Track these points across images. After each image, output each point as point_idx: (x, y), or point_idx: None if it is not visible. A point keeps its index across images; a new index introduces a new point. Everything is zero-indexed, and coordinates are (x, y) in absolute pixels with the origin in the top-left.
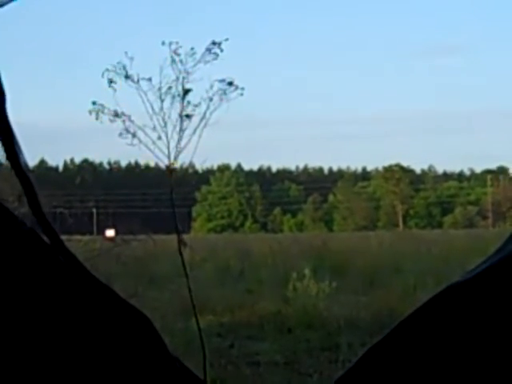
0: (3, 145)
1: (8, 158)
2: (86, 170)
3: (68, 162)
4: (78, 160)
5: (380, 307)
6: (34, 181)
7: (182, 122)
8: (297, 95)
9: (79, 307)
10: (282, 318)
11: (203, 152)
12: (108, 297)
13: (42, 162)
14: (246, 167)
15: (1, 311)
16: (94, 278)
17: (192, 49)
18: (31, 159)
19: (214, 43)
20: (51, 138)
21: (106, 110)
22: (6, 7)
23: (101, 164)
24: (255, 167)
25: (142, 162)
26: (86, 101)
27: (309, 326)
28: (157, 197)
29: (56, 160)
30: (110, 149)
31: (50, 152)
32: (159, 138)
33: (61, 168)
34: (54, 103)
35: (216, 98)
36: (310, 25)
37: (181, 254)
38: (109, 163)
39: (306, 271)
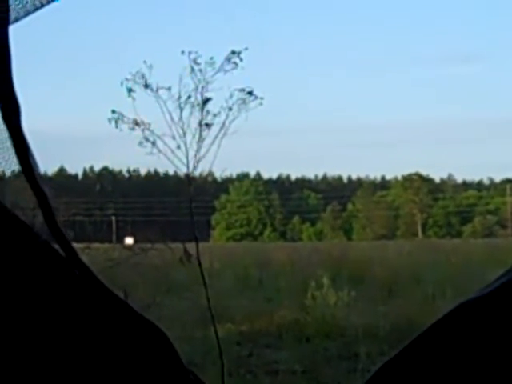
0: (18, 157)
1: (23, 171)
2: (106, 178)
3: (87, 169)
4: (97, 168)
5: (399, 317)
6: (48, 194)
7: (201, 131)
8: (316, 104)
9: (94, 321)
10: (300, 326)
11: (222, 160)
12: (123, 311)
13: (62, 170)
14: (265, 176)
15: (15, 324)
16: (109, 292)
17: (211, 58)
18: (51, 167)
19: (233, 52)
20: (71, 146)
21: (125, 119)
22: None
23: (120, 172)
24: (274, 176)
25: (161, 171)
26: (106, 108)
27: (327, 335)
28: (176, 205)
29: (75, 168)
30: (129, 157)
31: (70, 160)
32: (178, 147)
33: (80, 176)
34: (74, 111)
35: (235, 108)
36: (329, 34)
37: (199, 263)
38: (128, 171)
39: (325, 280)
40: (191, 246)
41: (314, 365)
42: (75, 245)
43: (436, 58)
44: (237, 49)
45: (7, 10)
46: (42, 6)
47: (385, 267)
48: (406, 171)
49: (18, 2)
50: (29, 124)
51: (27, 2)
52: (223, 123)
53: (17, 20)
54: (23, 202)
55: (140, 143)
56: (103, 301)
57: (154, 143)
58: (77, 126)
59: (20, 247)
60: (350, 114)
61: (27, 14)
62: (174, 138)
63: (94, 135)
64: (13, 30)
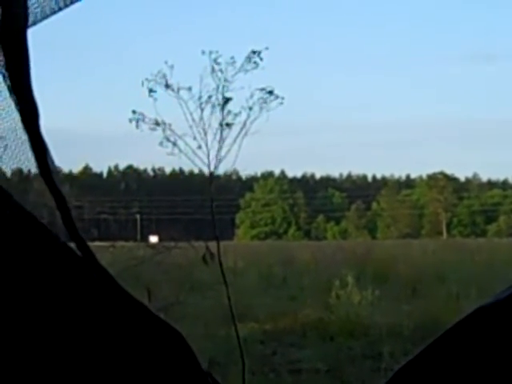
0: (36, 160)
1: (41, 173)
2: (130, 177)
3: (112, 168)
4: (122, 166)
5: (423, 316)
6: (67, 197)
7: (222, 131)
8: (341, 102)
9: (111, 322)
10: (324, 325)
11: (247, 159)
12: (140, 312)
13: (87, 169)
14: (290, 174)
15: (34, 326)
16: (126, 294)
17: (232, 58)
18: (76, 166)
19: (253, 52)
20: (96, 145)
21: (146, 119)
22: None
23: (145, 170)
24: (299, 174)
25: (186, 169)
26: (131, 108)
27: (351, 333)
28: (200, 203)
29: (100, 166)
30: (153, 156)
31: (95, 158)
32: (199, 147)
33: (105, 174)
34: (99, 110)
35: (256, 107)
36: (352, 32)
37: (220, 263)
38: (153, 170)
39: (349, 279)
40: (214, 245)
41: (338, 364)
42: (100, 243)
43: (461, 56)
44: (257, 48)
45: (26, 14)
46: (60, 9)
47: (409, 266)
48: (431, 170)
49: (36, 5)
50: (55, 123)
51: (45, 5)
52: (244, 123)
53: (35, 23)
54: (48, 200)
55: (161, 143)
56: (120, 302)
57: (174, 143)
58: (102, 125)
59: (39, 249)
60: (375, 113)
61: (45, 17)
62: (194, 138)
63: (119, 134)
64: (32, 33)
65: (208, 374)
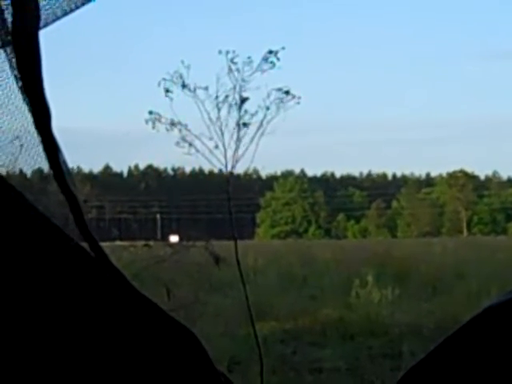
0: (49, 162)
1: (54, 176)
2: (151, 176)
3: (132, 168)
4: (142, 166)
5: (443, 314)
6: (79, 198)
7: (239, 130)
8: (361, 101)
9: (124, 323)
10: (344, 324)
11: (267, 158)
12: (153, 312)
13: (107, 168)
14: (310, 173)
15: (47, 326)
16: (139, 295)
17: (249, 57)
18: (96, 165)
19: (270, 52)
20: (116, 145)
21: (162, 119)
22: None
23: (165, 170)
24: (319, 173)
25: (206, 168)
26: (150, 107)
27: (371, 332)
28: (220, 202)
29: (120, 166)
30: (173, 155)
31: (115, 158)
32: (216, 146)
33: (125, 174)
34: (120, 110)
35: (273, 107)
36: (371, 31)
37: (238, 262)
38: (173, 169)
39: (369, 278)
40: (235, 244)
41: (358, 363)
42: (120, 243)
43: (480, 53)
44: (274, 48)
45: (38, 15)
46: (72, 10)
47: (429, 264)
48: (451, 168)
49: (47, 7)
50: (76, 123)
51: (57, 7)
52: (261, 122)
53: (46, 25)
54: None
55: (177, 143)
56: (133, 303)
57: (190, 144)
58: (122, 125)
59: (51, 250)
60: (395, 111)
61: (56, 18)
62: (211, 138)
63: (139, 134)
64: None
65: (221, 374)
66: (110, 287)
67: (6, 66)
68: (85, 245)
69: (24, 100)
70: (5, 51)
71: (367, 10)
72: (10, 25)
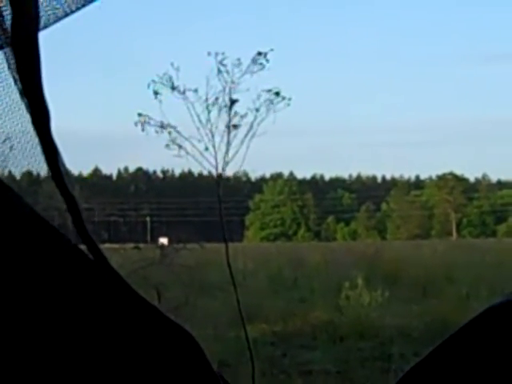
0: (48, 164)
1: (52, 176)
2: (140, 179)
3: (122, 170)
4: (131, 168)
5: (433, 317)
6: (78, 200)
7: (229, 132)
8: (350, 104)
9: (122, 325)
10: (334, 327)
11: (255, 161)
12: (152, 314)
13: (96, 171)
14: (299, 176)
15: (45, 329)
16: (138, 296)
17: (238, 59)
18: (85, 168)
19: (259, 54)
20: (105, 147)
21: (152, 122)
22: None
23: (154, 172)
24: (308, 175)
25: (196, 171)
26: (140, 109)
27: (361, 335)
28: (210, 205)
29: (110, 169)
30: (163, 157)
31: (104, 161)
32: (206, 149)
33: (115, 177)
34: (108, 112)
35: (263, 109)
36: (358, 33)
37: (229, 265)
38: (162, 171)
39: (359, 280)
40: (226, 247)
41: (348, 365)
42: (110, 245)
43: (470, 56)
44: (263, 50)
45: (37, 17)
46: (72, 11)
47: (419, 267)
48: (441, 171)
49: (48, 8)
50: (64, 125)
51: (57, 8)
52: (251, 124)
53: (46, 26)
54: (58, 202)
55: (167, 146)
56: (131, 304)
57: (180, 146)
58: (111, 127)
59: (49, 252)
60: (384, 114)
61: (57, 20)
62: (201, 140)
63: (129, 136)
64: (42, 36)
65: (219, 375)
66: (109, 289)
67: None
68: (83, 247)
69: (23, 101)
70: (4, 53)
71: (359, 12)
72: (9, 26)
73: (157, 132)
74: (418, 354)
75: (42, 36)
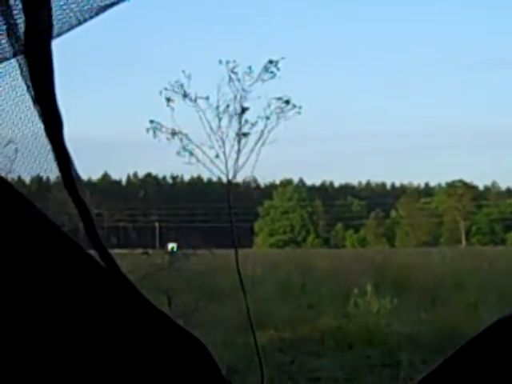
0: (60, 171)
1: (64, 183)
2: (149, 184)
3: (131, 176)
4: (141, 174)
5: (441, 324)
6: (90, 207)
7: (239, 140)
8: (360, 110)
9: (133, 332)
10: (343, 333)
11: (265, 168)
12: (162, 321)
13: (106, 176)
14: (309, 182)
15: (57, 335)
16: (148, 303)
17: (249, 67)
18: (95, 173)
19: (270, 62)
20: (115, 152)
21: (163, 129)
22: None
23: (164, 178)
24: (318, 182)
25: (205, 177)
26: (151, 115)
27: (370, 342)
28: (219, 211)
29: (119, 174)
30: (172, 163)
31: (114, 166)
32: (217, 156)
33: (124, 182)
34: (119, 117)
35: (273, 117)
36: (368, 40)
37: (239, 272)
38: (172, 177)
39: (368, 287)
40: (236, 254)
41: (357, 372)
42: (119, 250)
43: (480, 63)
44: (274, 58)
45: (51, 25)
46: (85, 20)
47: (428, 274)
48: (450, 178)
49: (61, 17)
50: (74, 130)
51: (70, 17)
52: (261, 132)
53: (60, 34)
54: (70, 208)
55: (178, 153)
56: (142, 311)
57: (191, 153)
58: (121, 133)
59: (61, 258)
60: (394, 121)
61: (70, 28)
62: (212, 147)
63: (138, 142)
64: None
65: (229, 382)
66: (120, 296)
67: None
68: (94, 253)
69: (35, 109)
70: (17, 60)
71: (364, 20)
72: (22, 34)
73: (168, 139)
74: (427, 362)
75: (55, 42)
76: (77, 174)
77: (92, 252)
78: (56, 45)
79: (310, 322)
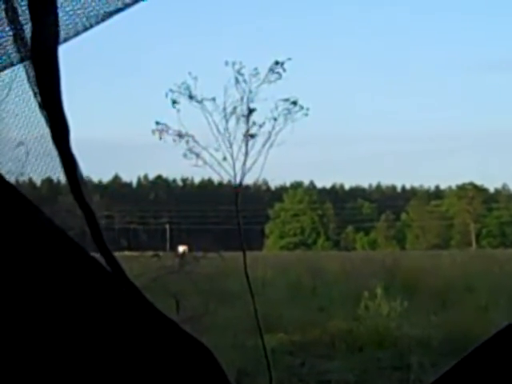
0: (67, 177)
1: (71, 189)
2: (160, 187)
3: (142, 178)
4: (151, 176)
5: (451, 327)
6: (96, 213)
7: (247, 142)
8: (371, 112)
9: (140, 338)
10: (353, 336)
11: (276, 169)
12: (169, 328)
13: (116, 178)
14: (319, 185)
15: (61, 340)
16: (155, 309)
17: (255, 69)
18: (105, 175)
19: (276, 63)
20: (126, 155)
21: (170, 131)
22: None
23: (174, 180)
24: (328, 185)
25: (216, 179)
26: (160, 117)
27: (380, 345)
28: (229, 213)
29: (130, 176)
30: (183, 165)
31: (124, 168)
32: (224, 158)
33: (135, 184)
34: (129, 120)
35: (281, 118)
36: (377, 41)
37: (247, 275)
38: (182, 179)
39: (378, 290)
40: (246, 256)
41: (367, 375)
42: (129, 253)
43: (490, 65)
44: (280, 59)
45: (57, 31)
46: (92, 26)
47: (438, 277)
48: (460, 181)
49: (67, 23)
50: (85, 133)
51: (77, 23)
52: (269, 134)
53: (66, 40)
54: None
55: (184, 155)
56: (149, 317)
57: (198, 155)
58: (131, 135)
59: (67, 263)
60: (404, 123)
61: (76, 34)
62: (218, 149)
63: (148, 144)
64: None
65: None
66: (125, 302)
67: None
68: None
69: (42, 114)
70: (24, 66)
71: (371, 21)
72: (29, 40)
73: (174, 141)
74: (437, 365)
75: (63, 47)
76: (83, 180)
77: (99, 256)
78: (65, 48)
79: (320, 325)
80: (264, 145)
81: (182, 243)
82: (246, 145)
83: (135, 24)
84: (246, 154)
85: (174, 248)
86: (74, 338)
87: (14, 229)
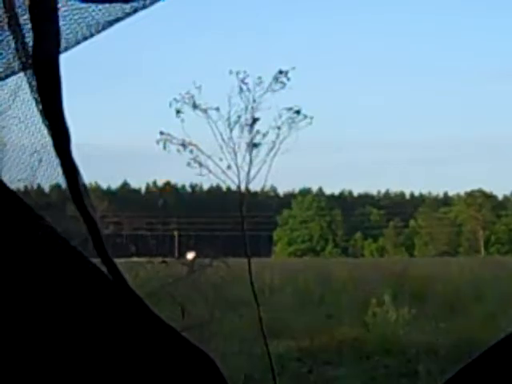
0: (68, 186)
1: (72, 198)
2: (169, 193)
3: (150, 184)
4: (160, 183)
5: (460, 334)
6: (98, 221)
7: (251, 151)
8: (379, 119)
9: (142, 346)
10: (360, 343)
11: (284, 176)
12: (171, 336)
13: (125, 185)
14: (328, 191)
15: (63, 347)
16: (156, 317)
17: (259, 78)
18: (114, 182)
19: (280, 72)
20: (134, 161)
21: (174, 140)
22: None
23: (183, 187)
24: (337, 191)
25: (224, 186)
26: (169, 124)
27: (387, 352)
28: (238, 220)
29: (139, 183)
30: (190, 173)
31: (133, 175)
32: (229, 167)
33: (143, 191)
34: (138, 126)
35: (285, 127)
36: (384, 48)
37: (252, 283)
38: (191, 186)
39: (386, 297)
40: (253, 262)
41: (374, 382)
42: (137, 259)
43: (498, 73)
44: (284, 68)
45: (58, 40)
46: (92, 35)
47: (446, 284)
48: (469, 188)
49: (68, 32)
50: (94, 139)
51: (77, 32)
52: (273, 142)
53: (67, 49)
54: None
55: (188, 164)
56: (150, 325)
57: (201, 164)
58: (140, 142)
59: (69, 271)
60: (413, 130)
61: (77, 43)
62: (223, 158)
63: (157, 151)
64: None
65: None
66: (126, 309)
67: (24, 84)
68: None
69: (44, 123)
70: (25, 74)
71: (379, 28)
72: (30, 49)
73: (178, 151)
74: (445, 372)
75: (67, 55)
76: (85, 189)
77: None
78: (72, 55)
79: (328, 332)
80: (268, 153)
81: (191, 249)
82: (250, 154)
83: (138, 33)
84: (250, 162)
85: (182, 254)
86: (75, 344)
87: (16, 237)
